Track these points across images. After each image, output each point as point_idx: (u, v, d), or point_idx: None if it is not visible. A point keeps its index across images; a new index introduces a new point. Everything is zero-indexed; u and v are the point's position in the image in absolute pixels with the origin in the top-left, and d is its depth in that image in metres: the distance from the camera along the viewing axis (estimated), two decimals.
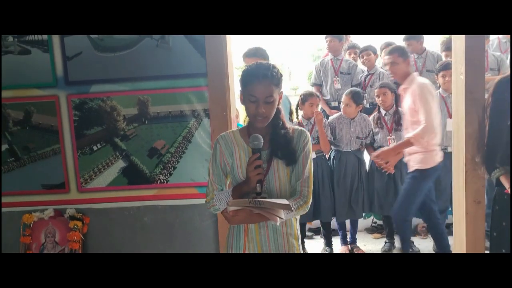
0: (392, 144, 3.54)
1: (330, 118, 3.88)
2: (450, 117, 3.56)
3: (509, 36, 4.44)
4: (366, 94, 4.33)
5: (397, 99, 3.64)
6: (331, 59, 4.48)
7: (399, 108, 3.66)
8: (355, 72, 4.43)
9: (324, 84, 4.51)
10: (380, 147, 3.64)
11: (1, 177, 2.74)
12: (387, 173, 3.58)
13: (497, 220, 2.13)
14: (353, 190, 3.71)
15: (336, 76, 4.40)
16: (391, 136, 3.67)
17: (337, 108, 4.24)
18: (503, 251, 2.08)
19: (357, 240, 3.86)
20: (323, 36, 4.54)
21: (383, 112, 3.74)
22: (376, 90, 3.72)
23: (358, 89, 3.99)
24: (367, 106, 4.29)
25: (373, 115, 3.84)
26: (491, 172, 2.07)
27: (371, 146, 3.82)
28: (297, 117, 3.74)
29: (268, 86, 1.63)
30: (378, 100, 3.72)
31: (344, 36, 4.64)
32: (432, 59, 4.37)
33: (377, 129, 3.75)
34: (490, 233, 2.19)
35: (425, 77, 4.34)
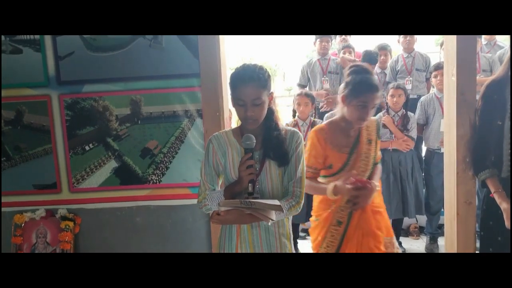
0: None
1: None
2: None
3: (489, 38, 4.47)
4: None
5: (407, 103, 3.68)
6: (318, 59, 4.45)
7: (408, 112, 3.70)
8: (343, 71, 4.42)
9: (312, 85, 4.47)
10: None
11: (0, 176, 2.72)
12: (392, 175, 3.64)
13: (484, 219, 2.15)
14: None
15: (324, 76, 4.39)
16: (395, 138, 3.69)
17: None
18: (490, 250, 2.10)
19: None
20: (313, 37, 4.50)
21: (391, 113, 3.72)
22: (392, 90, 3.68)
23: None
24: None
25: (380, 113, 3.80)
26: (479, 173, 2.09)
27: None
28: (293, 117, 3.74)
29: (256, 89, 1.62)
30: (391, 100, 3.67)
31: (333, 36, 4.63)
32: (421, 58, 4.40)
33: (385, 129, 3.70)
34: (479, 233, 2.22)
35: (415, 75, 4.39)
